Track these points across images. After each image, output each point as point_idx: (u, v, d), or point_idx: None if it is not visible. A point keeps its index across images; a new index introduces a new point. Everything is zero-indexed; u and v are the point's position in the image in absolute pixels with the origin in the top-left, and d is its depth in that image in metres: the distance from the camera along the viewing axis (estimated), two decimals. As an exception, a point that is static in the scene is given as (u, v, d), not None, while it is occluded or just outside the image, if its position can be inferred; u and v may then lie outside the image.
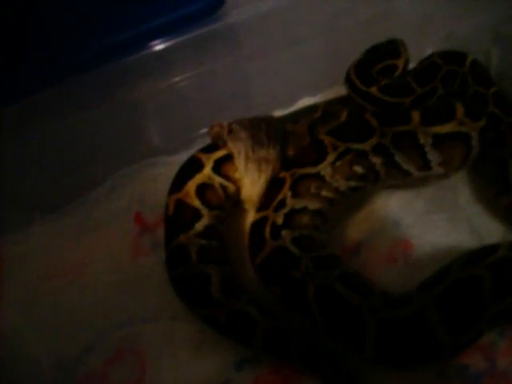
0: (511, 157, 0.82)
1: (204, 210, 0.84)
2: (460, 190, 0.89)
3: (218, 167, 0.87)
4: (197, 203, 0.84)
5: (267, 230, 0.77)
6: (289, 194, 0.79)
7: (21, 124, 0.91)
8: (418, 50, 0.96)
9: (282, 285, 0.73)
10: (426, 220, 0.87)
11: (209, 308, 0.75)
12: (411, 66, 0.94)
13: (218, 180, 0.86)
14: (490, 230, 0.84)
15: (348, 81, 0.88)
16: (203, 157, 0.87)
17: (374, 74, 0.89)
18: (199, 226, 0.82)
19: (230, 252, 0.85)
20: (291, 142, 0.89)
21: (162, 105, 1.02)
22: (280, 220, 0.78)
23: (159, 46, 1.00)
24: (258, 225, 0.78)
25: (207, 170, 0.86)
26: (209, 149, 0.89)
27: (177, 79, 1.02)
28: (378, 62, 0.90)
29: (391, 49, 0.91)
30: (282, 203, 0.79)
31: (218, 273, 0.78)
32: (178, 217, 0.84)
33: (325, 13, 1.05)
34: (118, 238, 0.90)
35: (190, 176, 0.86)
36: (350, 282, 0.71)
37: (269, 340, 0.72)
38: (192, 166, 0.88)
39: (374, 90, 0.86)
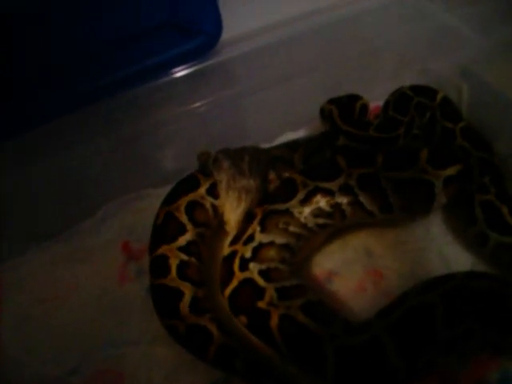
0: (477, 191, 0.85)
1: (189, 226, 0.89)
2: (432, 221, 0.92)
3: (212, 189, 0.91)
4: (184, 218, 0.89)
5: (236, 262, 0.81)
6: (258, 228, 0.83)
7: (18, 158, 0.97)
8: (395, 85, 1.00)
9: (248, 314, 0.77)
10: (396, 250, 0.90)
11: (173, 319, 0.80)
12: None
13: (209, 200, 0.91)
14: (460, 260, 0.87)
15: (342, 132, 0.92)
16: (201, 177, 0.93)
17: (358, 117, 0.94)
18: (182, 240, 0.88)
19: (210, 271, 0.89)
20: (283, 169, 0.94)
21: (154, 139, 1.08)
22: (248, 253, 0.81)
23: (155, 84, 1.06)
24: (229, 258, 0.82)
25: (202, 190, 0.91)
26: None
27: (172, 114, 1.08)
28: (353, 107, 0.95)
29: (350, 95, 0.96)
30: (251, 237, 0.83)
31: (191, 292, 0.83)
32: (165, 227, 0.89)
33: (312, 50, 1.10)
34: (105, 266, 0.95)
35: (185, 193, 0.91)
36: (312, 311, 0.75)
37: (220, 356, 0.77)
38: (188, 184, 0.93)
39: (371, 132, 0.90)
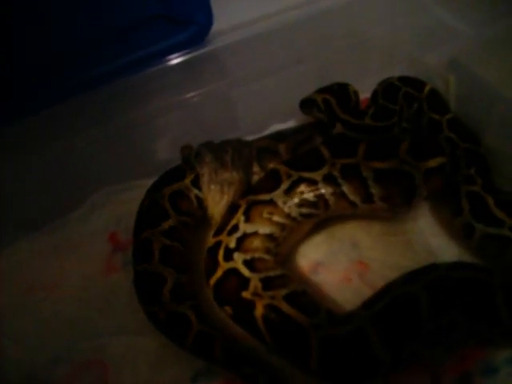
0: (463, 182, 0.86)
1: (172, 213, 0.91)
2: (419, 213, 0.92)
3: (197, 181, 0.92)
4: (167, 206, 0.91)
5: (221, 253, 0.81)
6: (242, 218, 0.83)
7: (9, 147, 0.97)
8: (385, 77, 1.01)
9: (233, 305, 0.77)
10: (383, 242, 0.90)
11: (154, 306, 0.82)
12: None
13: (194, 192, 0.93)
14: (447, 251, 0.88)
15: (339, 120, 0.92)
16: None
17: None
18: (165, 225, 0.89)
19: (193, 258, 0.91)
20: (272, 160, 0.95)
21: (144, 130, 1.08)
22: (232, 243, 0.81)
23: (145, 74, 1.06)
24: (213, 249, 0.82)
25: (187, 181, 0.93)
26: None
27: (163, 104, 1.08)
28: (348, 95, 0.95)
29: (339, 84, 0.97)
30: (235, 228, 0.82)
31: (173, 279, 0.84)
32: (149, 213, 0.91)
33: (303, 41, 1.10)
34: (92, 256, 0.96)
35: (170, 182, 0.93)
36: (296, 302, 0.75)
37: (198, 342, 0.78)
38: (175, 174, 0.95)
39: (367, 120, 0.91)
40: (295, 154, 0.94)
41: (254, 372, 0.76)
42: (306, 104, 0.99)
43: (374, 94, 0.98)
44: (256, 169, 0.93)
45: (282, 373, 0.77)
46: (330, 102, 0.93)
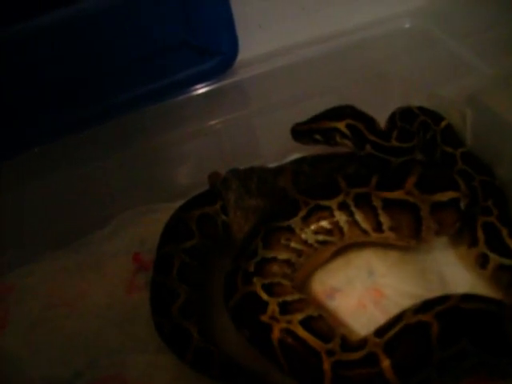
0: (480, 212, 0.87)
1: (197, 234, 0.94)
2: (435, 242, 0.93)
3: (226, 207, 0.95)
4: (194, 227, 0.94)
5: (240, 277, 0.82)
6: (260, 244, 0.85)
7: (35, 169, 1.02)
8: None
9: (250, 328, 0.79)
10: (398, 270, 0.91)
11: (161, 318, 0.85)
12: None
13: (222, 217, 0.95)
14: (460, 282, 0.89)
15: (369, 142, 0.93)
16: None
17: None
18: (188, 244, 0.92)
19: (209, 276, 0.94)
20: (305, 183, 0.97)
21: (168, 155, 1.12)
22: (251, 268, 0.83)
23: (171, 102, 1.10)
24: (232, 273, 0.84)
25: (217, 206, 0.96)
26: None
27: (187, 131, 1.14)
28: (369, 118, 0.96)
29: (350, 107, 0.98)
30: (254, 253, 0.85)
31: (186, 295, 0.87)
32: (175, 230, 0.94)
33: (323, 74, 1.14)
34: (115, 275, 0.98)
35: (200, 205, 0.96)
36: (312, 326, 0.76)
37: (197, 357, 0.81)
38: (207, 198, 0.98)
39: (394, 142, 0.93)
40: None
41: None
42: (331, 131, 0.97)
43: (392, 116, 1.00)
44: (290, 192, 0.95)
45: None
46: (358, 127, 0.94)
